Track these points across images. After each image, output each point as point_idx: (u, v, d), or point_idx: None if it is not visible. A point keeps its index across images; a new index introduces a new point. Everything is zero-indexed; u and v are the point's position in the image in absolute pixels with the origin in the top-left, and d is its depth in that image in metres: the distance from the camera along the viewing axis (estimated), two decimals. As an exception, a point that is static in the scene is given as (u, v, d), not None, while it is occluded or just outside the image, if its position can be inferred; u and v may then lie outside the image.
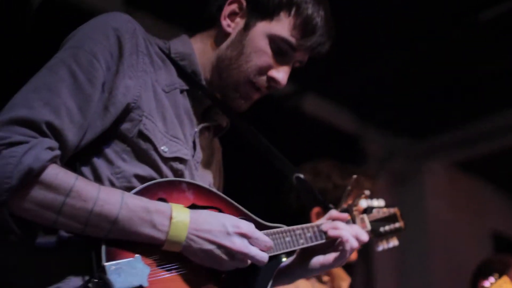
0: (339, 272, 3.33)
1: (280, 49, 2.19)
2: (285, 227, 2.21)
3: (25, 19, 3.83)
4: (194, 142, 2.19)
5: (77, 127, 1.84)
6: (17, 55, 3.97)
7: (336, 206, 2.48)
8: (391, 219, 2.65)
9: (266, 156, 2.42)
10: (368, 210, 2.60)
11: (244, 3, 2.22)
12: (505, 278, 3.10)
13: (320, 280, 3.29)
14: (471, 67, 5.61)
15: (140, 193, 1.89)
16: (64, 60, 1.88)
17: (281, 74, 2.22)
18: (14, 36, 4.01)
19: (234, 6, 2.22)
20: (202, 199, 2.02)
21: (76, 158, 1.92)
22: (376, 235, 2.59)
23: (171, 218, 1.84)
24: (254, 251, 1.95)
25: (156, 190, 1.92)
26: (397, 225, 2.66)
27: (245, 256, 1.93)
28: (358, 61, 5.58)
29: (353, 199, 2.54)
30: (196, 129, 2.21)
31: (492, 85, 5.83)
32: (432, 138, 7.05)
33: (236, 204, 2.12)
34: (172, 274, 1.88)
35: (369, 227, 2.52)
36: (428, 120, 6.60)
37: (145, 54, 2.05)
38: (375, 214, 2.61)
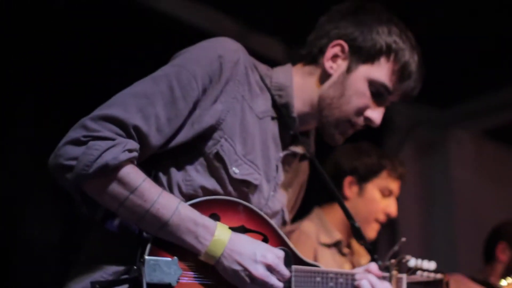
0: (360, 249, 3.37)
1: (378, 92, 2.42)
2: (321, 268, 2.39)
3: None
4: (277, 166, 2.43)
5: (161, 135, 2.12)
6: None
7: (382, 260, 2.56)
8: (434, 284, 2.65)
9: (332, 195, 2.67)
10: (411, 271, 2.61)
11: (347, 47, 2.42)
12: None
13: (340, 252, 3.32)
14: (499, 32, 5.53)
15: (198, 203, 2.16)
16: (168, 75, 2.16)
17: (376, 114, 2.44)
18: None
19: (337, 49, 2.42)
20: (252, 223, 2.27)
21: (154, 160, 2.20)
22: None
23: (213, 235, 2.09)
24: (274, 281, 2.15)
25: (213, 205, 2.19)
26: None
27: (264, 284, 2.14)
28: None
29: (397, 259, 2.58)
30: (281, 154, 2.45)
31: (521, 51, 5.75)
32: (458, 106, 6.98)
33: (282, 235, 2.35)
34: (201, 282, 2.13)
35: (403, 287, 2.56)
36: (454, 88, 6.52)
37: (241, 82, 2.28)
38: (417, 276, 2.62)
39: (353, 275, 2.44)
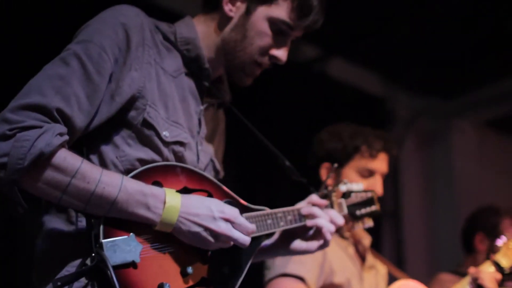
0: (360, 231, 3.42)
1: (279, 30, 2.40)
2: (268, 210, 2.46)
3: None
4: (199, 120, 2.42)
5: (85, 114, 2.03)
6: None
7: (317, 189, 2.71)
8: (367, 202, 2.87)
9: (259, 140, 2.68)
10: (346, 195, 2.79)
11: None
12: None
13: (342, 236, 3.37)
14: (500, 23, 5.55)
15: (138, 175, 2.09)
16: (76, 52, 2.06)
17: (281, 52, 2.44)
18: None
19: None
20: (193, 182, 2.23)
21: (84, 143, 2.13)
22: (353, 218, 2.82)
23: (164, 202, 2.04)
24: (237, 234, 2.15)
25: (153, 174, 2.13)
26: (373, 208, 2.88)
27: (228, 238, 2.13)
28: (382, 21, 5.56)
29: (332, 185, 2.78)
30: (202, 107, 2.44)
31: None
32: (460, 97, 6.99)
33: (224, 187, 2.34)
34: (163, 252, 2.09)
35: (346, 211, 2.76)
36: (456, 78, 6.55)
37: (150, 46, 2.25)
38: (353, 198, 2.82)
39: (298, 210, 2.54)
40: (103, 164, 2.13)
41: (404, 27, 5.59)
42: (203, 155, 2.43)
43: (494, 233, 3.95)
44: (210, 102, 2.52)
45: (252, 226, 2.21)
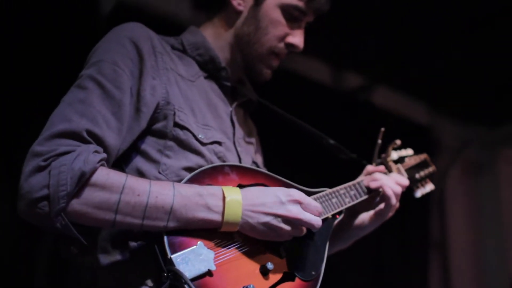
0: None
1: (292, 16, 2.37)
2: (329, 190, 2.34)
3: (95, 29, 3.93)
4: (232, 120, 2.36)
5: (115, 132, 1.95)
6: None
7: (370, 162, 2.63)
8: (423, 165, 2.79)
9: (295, 126, 2.61)
10: (400, 160, 2.74)
11: None
12: None
13: None
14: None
15: (188, 182, 1.99)
16: (90, 75, 2.00)
17: (297, 38, 2.41)
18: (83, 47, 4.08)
19: None
20: (246, 178, 2.13)
21: (122, 162, 2.05)
22: (413, 181, 2.71)
23: (224, 198, 1.92)
24: (309, 216, 2.03)
25: (202, 178, 2.02)
26: (430, 169, 2.80)
27: (301, 221, 2.02)
28: (427, 49, 5.51)
29: (385, 151, 2.70)
30: (231, 108, 2.39)
31: None
32: (506, 125, 6.88)
33: (278, 177, 2.23)
34: (235, 254, 1.97)
35: (405, 175, 2.66)
36: (502, 107, 6.45)
37: (163, 53, 2.18)
38: (408, 162, 2.75)
39: (359, 182, 2.46)
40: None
41: (451, 55, 5.55)
42: (244, 156, 2.35)
43: None
44: (241, 100, 2.47)
45: (319, 205, 2.08)
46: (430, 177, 2.79)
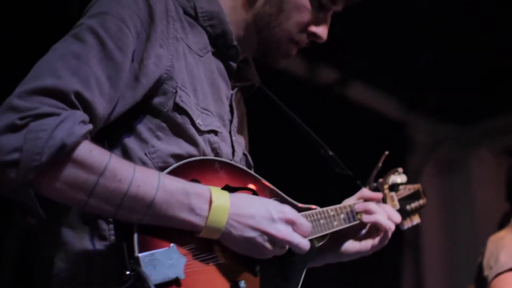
0: None
1: (320, 3, 2.12)
2: (319, 209, 2.13)
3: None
4: (231, 106, 2.12)
5: (106, 99, 1.69)
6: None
7: (365, 183, 2.44)
8: (415, 196, 2.61)
9: (296, 126, 2.43)
10: (395, 187, 2.53)
11: None
12: None
13: None
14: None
15: (172, 173, 1.76)
16: (91, 27, 1.73)
17: (321, 29, 2.15)
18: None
19: None
20: (235, 179, 1.91)
21: (105, 136, 1.77)
22: (403, 213, 2.52)
23: (211, 202, 1.72)
24: (298, 239, 1.85)
25: (189, 170, 1.80)
26: (421, 202, 2.62)
27: (289, 243, 1.84)
28: (402, 48, 5.49)
29: (384, 176, 2.50)
30: (232, 92, 2.14)
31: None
32: (480, 125, 6.92)
33: (269, 184, 2.02)
34: (209, 265, 1.76)
35: (398, 206, 2.47)
36: (476, 106, 6.46)
37: (175, 19, 1.92)
38: (402, 191, 2.56)
39: (351, 206, 2.26)
40: (131, 161, 1.75)
41: (424, 53, 5.55)
42: (237, 147, 2.10)
43: None
44: (238, 86, 2.20)
45: (310, 225, 1.91)
46: (419, 210, 2.61)
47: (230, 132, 2.07)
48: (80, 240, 1.72)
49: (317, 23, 2.13)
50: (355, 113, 6.00)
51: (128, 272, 1.59)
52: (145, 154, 1.79)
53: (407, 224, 2.58)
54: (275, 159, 4.28)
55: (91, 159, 1.59)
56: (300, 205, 2.08)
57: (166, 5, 1.88)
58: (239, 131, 2.20)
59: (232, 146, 2.06)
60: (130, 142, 1.80)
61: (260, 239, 1.78)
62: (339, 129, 5.78)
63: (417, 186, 2.63)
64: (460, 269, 6.76)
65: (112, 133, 1.78)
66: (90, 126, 1.61)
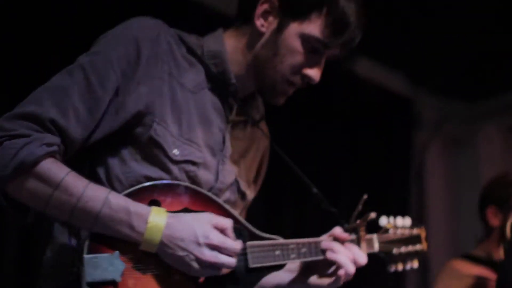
0: None
1: (313, 48, 2.26)
2: (280, 240, 2.27)
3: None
4: (224, 137, 2.33)
5: (82, 126, 2.02)
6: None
7: (348, 222, 2.47)
8: (411, 240, 2.59)
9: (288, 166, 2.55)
10: (383, 230, 2.55)
11: (277, 3, 2.27)
12: None
13: None
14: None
15: (135, 192, 2.04)
16: (82, 64, 2.07)
17: (314, 71, 2.30)
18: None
19: (266, 6, 2.28)
20: (197, 204, 2.14)
21: (91, 156, 2.13)
22: (388, 256, 2.54)
23: (147, 221, 1.97)
24: (223, 259, 2.04)
25: (151, 192, 2.07)
26: (417, 247, 2.61)
27: (214, 264, 2.03)
28: (411, 23, 5.47)
29: (363, 217, 2.47)
30: (227, 125, 2.34)
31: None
32: (487, 101, 6.89)
33: (232, 212, 2.22)
34: (146, 273, 2.01)
35: (377, 248, 2.51)
36: (483, 82, 6.44)
37: (165, 60, 2.18)
38: (390, 234, 2.55)
39: (317, 243, 2.36)
40: (109, 178, 2.11)
41: (432, 28, 5.50)
42: (225, 175, 2.32)
43: (507, 206, 3.75)
44: (239, 119, 2.42)
45: (237, 245, 2.08)
46: (416, 256, 2.60)
47: (218, 161, 2.29)
48: (62, 235, 2.09)
49: (310, 66, 2.29)
50: (361, 89, 5.97)
51: (74, 270, 1.94)
52: (122, 173, 2.11)
53: (396, 268, 2.57)
54: (270, 191, 4.37)
55: (48, 174, 1.93)
56: (261, 234, 2.25)
57: (157, 48, 2.17)
58: (240, 159, 2.43)
59: (217, 175, 2.28)
60: (113, 161, 2.12)
61: (188, 259, 2.00)
62: (345, 105, 5.77)
63: (417, 231, 2.62)
64: (465, 245, 6.76)
65: (98, 153, 2.13)
66: (54, 148, 1.95)
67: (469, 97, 6.88)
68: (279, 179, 4.50)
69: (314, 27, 2.24)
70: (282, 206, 5.14)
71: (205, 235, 2.02)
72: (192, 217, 2.05)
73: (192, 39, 2.33)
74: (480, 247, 3.99)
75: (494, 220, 3.90)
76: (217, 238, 2.03)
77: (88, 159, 2.14)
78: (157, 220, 1.97)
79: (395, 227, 2.57)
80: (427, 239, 2.62)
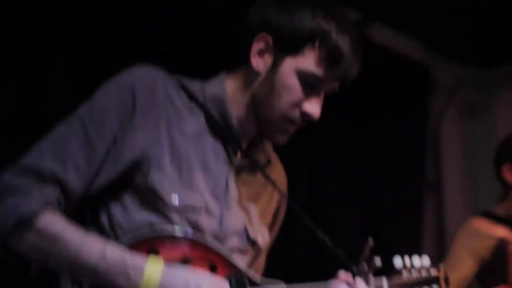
0: None
1: (309, 83, 2.24)
2: (282, 285, 2.24)
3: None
4: (227, 181, 2.31)
5: (81, 177, 2.11)
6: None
7: (357, 264, 2.34)
8: (428, 281, 2.37)
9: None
10: (396, 272, 2.38)
11: (271, 40, 2.25)
12: None
13: None
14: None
15: (134, 241, 2.11)
16: (81, 115, 2.17)
17: (313, 106, 2.27)
18: None
19: (261, 44, 2.26)
20: (198, 252, 2.17)
21: (94, 203, 2.20)
22: None
23: (143, 274, 2.04)
24: None
25: (151, 241, 2.14)
26: None
27: None
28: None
29: (370, 261, 2.32)
30: (230, 169, 2.33)
31: None
32: (503, 67, 6.77)
33: (233, 260, 2.22)
34: None
35: None
36: (500, 49, 6.36)
37: (162, 108, 2.22)
38: (404, 278, 2.37)
39: (321, 285, 2.30)
40: (111, 225, 2.16)
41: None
42: (231, 221, 2.30)
43: None
44: (244, 163, 2.39)
45: None
46: None
47: (223, 207, 2.28)
48: (66, 284, 2.13)
49: (308, 101, 2.26)
50: (376, 54, 5.91)
51: None
52: (124, 221, 2.16)
53: None
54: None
55: (46, 230, 2.03)
56: (263, 279, 2.26)
57: (154, 96, 2.21)
58: (246, 202, 2.38)
59: (221, 220, 2.26)
60: (114, 207, 2.18)
61: None
62: (360, 71, 5.72)
63: (434, 271, 2.40)
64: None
65: (102, 200, 2.19)
66: (53, 201, 2.06)
67: (486, 63, 6.79)
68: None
69: (308, 62, 2.21)
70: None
71: (197, 285, 2.06)
72: (187, 273, 2.09)
73: (194, 86, 2.35)
74: (500, 205, 3.96)
75: (511, 177, 3.87)
76: None
77: (90, 206, 2.20)
78: (153, 273, 2.04)
79: (411, 268, 2.39)
80: (446, 280, 2.38)
